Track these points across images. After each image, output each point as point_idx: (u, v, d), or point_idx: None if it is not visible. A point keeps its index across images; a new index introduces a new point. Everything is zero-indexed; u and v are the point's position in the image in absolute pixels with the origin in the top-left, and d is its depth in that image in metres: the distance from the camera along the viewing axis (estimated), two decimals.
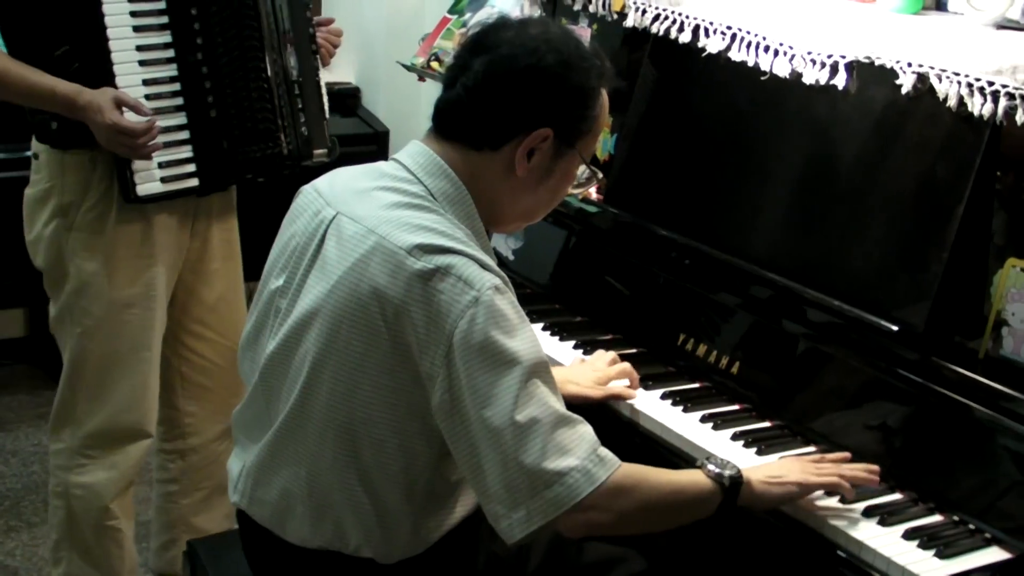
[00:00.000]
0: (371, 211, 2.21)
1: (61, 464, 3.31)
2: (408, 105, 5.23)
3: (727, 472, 2.29)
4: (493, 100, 2.23)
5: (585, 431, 2.16)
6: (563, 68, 2.23)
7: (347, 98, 5.65)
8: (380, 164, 2.35)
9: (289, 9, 3.28)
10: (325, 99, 3.44)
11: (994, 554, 2.27)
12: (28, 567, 3.97)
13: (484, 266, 2.15)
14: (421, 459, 2.22)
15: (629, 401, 2.77)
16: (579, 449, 2.12)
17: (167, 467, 3.59)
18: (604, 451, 2.16)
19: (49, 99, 2.95)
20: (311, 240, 2.26)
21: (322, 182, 2.38)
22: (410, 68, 4.35)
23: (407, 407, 2.16)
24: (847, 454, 2.52)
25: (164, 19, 3.08)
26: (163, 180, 3.09)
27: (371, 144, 5.29)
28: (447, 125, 2.29)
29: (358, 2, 5.65)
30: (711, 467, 2.30)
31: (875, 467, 2.45)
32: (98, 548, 3.35)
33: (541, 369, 2.15)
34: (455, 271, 2.10)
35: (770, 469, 2.40)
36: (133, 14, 3.02)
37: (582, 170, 2.39)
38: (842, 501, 2.39)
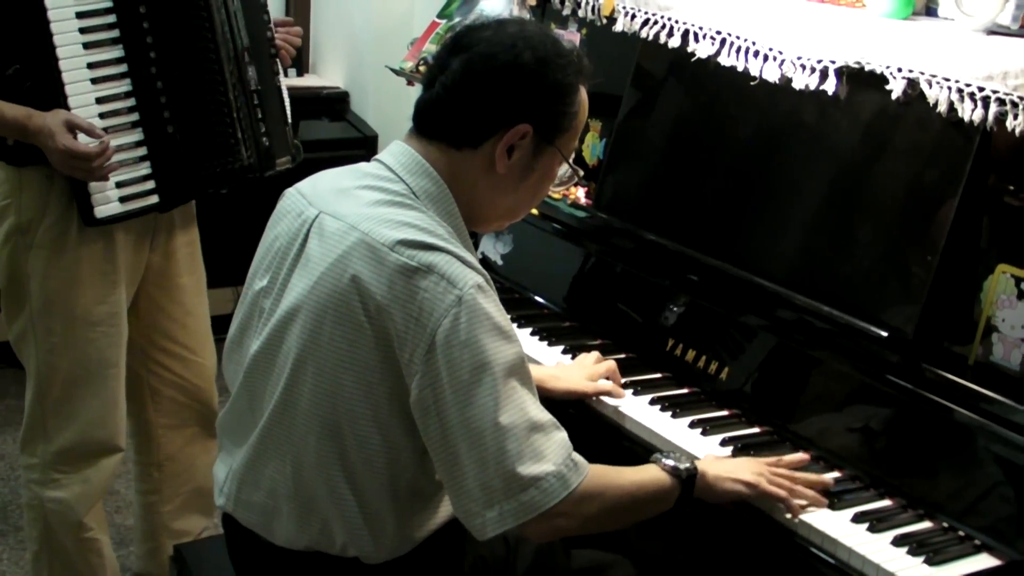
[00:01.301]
0: (353, 209, 2.22)
1: (35, 479, 3.28)
2: (397, 109, 5.22)
3: (683, 466, 2.35)
4: (472, 98, 2.24)
5: (562, 436, 2.18)
6: (540, 64, 2.23)
7: (336, 103, 5.64)
8: (362, 164, 2.37)
9: (245, 18, 3.22)
10: (287, 104, 3.41)
11: (984, 561, 2.27)
12: (15, 571, 3.95)
13: (466, 263, 2.15)
14: (404, 455, 2.22)
15: (617, 406, 2.76)
16: (556, 454, 2.15)
17: (144, 478, 3.57)
18: (577, 456, 2.19)
19: None
20: (294, 240, 2.27)
21: (305, 184, 2.39)
22: (399, 72, 4.34)
23: (389, 402, 2.17)
24: (805, 456, 2.56)
25: (115, 33, 3.01)
26: (122, 200, 3.05)
27: (360, 148, 5.27)
28: (427, 124, 2.30)
29: (347, 7, 5.65)
30: (667, 462, 2.35)
31: (829, 481, 2.47)
32: (80, 560, 3.33)
33: (521, 369, 2.17)
34: (438, 269, 2.11)
35: (724, 465, 2.45)
36: (83, 31, 2.96)
37: (563, 168, 2.39)
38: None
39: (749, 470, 2.43)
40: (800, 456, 2.56)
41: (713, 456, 2.54)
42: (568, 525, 2.19)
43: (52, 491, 3.26)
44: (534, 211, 3.31)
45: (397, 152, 2.30)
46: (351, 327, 2.15)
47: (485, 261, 3.49)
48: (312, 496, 2.25)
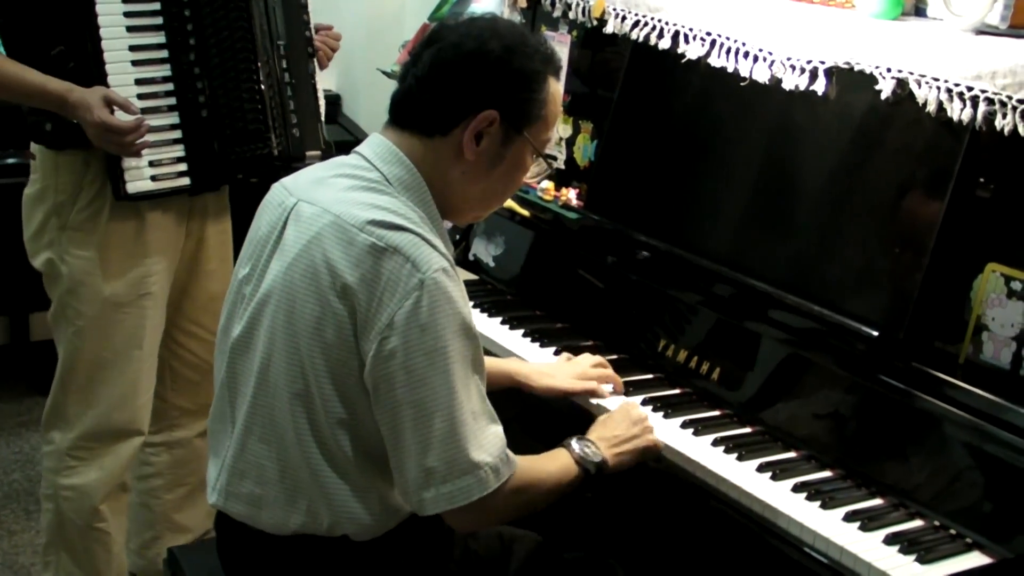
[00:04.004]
0: (328, 195, 2.28)
1: (51, 467, 3.34)
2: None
3: (593, 460, 2.45)
4: (439, 86, 2.29)
5: (498, 430, 2.27)
6: (505, 52, 2.28)
7: (328, 105, 5.60)
8: (341, 157, 2.43)
9: (284, 13, 3.32)
10: (321, 101, 3.50)
11: (975, 559, 2.28)
12: (9, 575, 3.95)
13: (433, 246, 2.20)
14: (367, 428, 2.26)
15: (610, 407, 2.76)
16: (493, 446, 2.22)
17: (150, 461, 3.60)
18: (509, 451, 2.27)
19: (41, 96, 3.00)
20: (274, 228, 2.33)
21: (289, 177, 2.44)
22: (390, 75, 4.35)
23: (355, 377, 2.21)
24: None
25: (159, 20, 3.13)
26: (154, 178, 3.13)
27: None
28: (401, 115, 2.36)
29: (338, 9, 5.63)
30: (576, 449, 2.46)
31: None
32: (84, 550, 3.36)
33: (476, 357, 2.24)
34: (403, 250, 2.16)
35: (605, 431, 2.56)
36: (127, 14, 3.07)
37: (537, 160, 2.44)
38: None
39: (625, 425, 2.58)
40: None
41: (601, 421, 2.63)
42: (492, 519, 2.32)
43: (67, 478, 3.31)
44: (525, 212, 3.32)
45: (373, 143, 2.37)
46: (320, 303, 2.20)
47: (477, 263, 3.50)
48: (296, 478, 2.29)
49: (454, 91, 2.28)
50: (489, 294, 3.37)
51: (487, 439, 2.21)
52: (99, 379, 3.26)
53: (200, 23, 3.18)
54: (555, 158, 2.50)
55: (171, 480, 3.64)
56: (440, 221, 2.34)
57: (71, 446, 3.30)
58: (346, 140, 5.41)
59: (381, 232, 2.17)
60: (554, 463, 2.41)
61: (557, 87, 2.37)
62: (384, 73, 4.39)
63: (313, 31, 3.45)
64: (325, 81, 5.70)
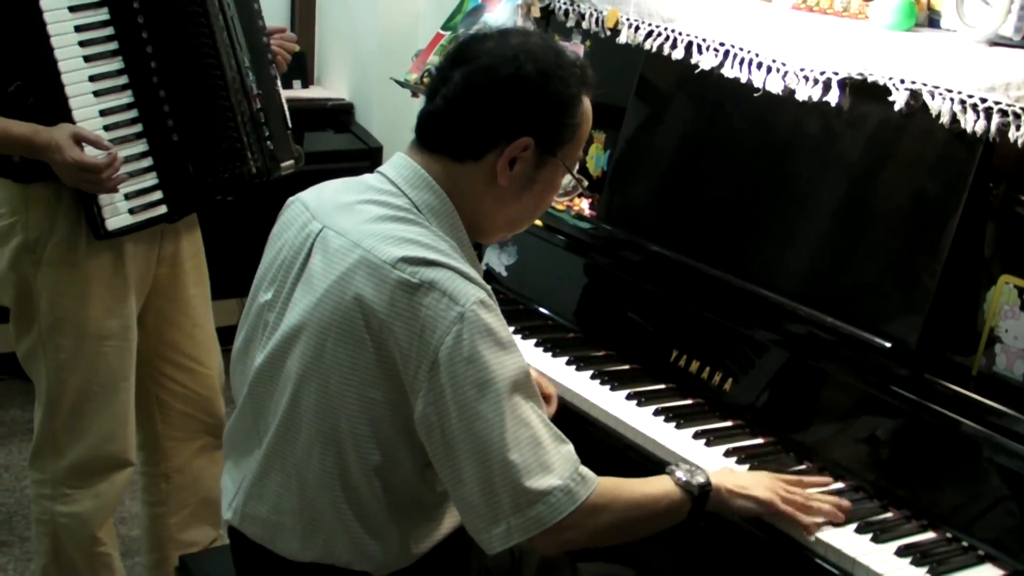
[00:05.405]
0: (356, 225, 2.22)
1: (45, 494, 3.26)
2: (402, 121, 5.23)
3: (696, 480, 2.32)
4: (473, 111, 2.22)
5: (568, 449, 2.18)
6: (542, 77, 2.22)
7: (340, 114, 5.64)
8: (365, 177, 2.35)
9: (242, 22, 3.22)
10: (286, 108, 3.40)
11: (987, 571, 2.27)
12: None
13: (469, 279, 2.15)
14: (404, 470, 2.22)
15: (620, 416, 2.77)
16: (562, 468, 2.14)
17: (152, 490, 3.56)
18: (584, 469, 2.18)
19: (5, 141, 2.88)
20: (298, 254, 2.27)
21: (309, 195, 2.38)
22: (403, 84, 4.35)
23: (391, 419, 2.17)
24: (827, 479, 2.53)
25: (114, 45, 3.01)
26: (131, 211, 3.04)
27: (364, 160, 5.27)
28: (429, 137, 2.29)
29: (352, 18, 5.66)
30: (680, 475, 2.33)
31: (846, 503, 2.43)
32: (90, 574, 3.33)
33: (526, 384, 2.16)
34: (440, 285, 2.10)
35: (739, 479, 2.43)
36: (83, 44, 2.95)
37: (567, 179, 2.38)
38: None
39: (763, 486, 2.41)
40: (822, 479, 2.54)
41: (728, 469, 2.52)
42: (576, 538, 2.18)
43: (64, 506, 3.24)
44: (538, 222, 3.32)
45: (400, 165, 2.29)
46: (354, 345, 2.14)
47: (489, 273, 3.50)
48: (316, 512, 2.25)
49: (488, 118, 2.22)
50: (501, 304, 3.36)
51: (554, 461, 2.13)
52: (87, 411, 3.18)
53: (159, 44, 3.05)
54: (584, 181, 2.45)
55: (174, 506, 3.58)
56: (470, 248, 2.30)
57: (65, 475, 3.23)
58: (359, 149, 5.41)
59: (414, 269, 2.11)
60: (650, 485, 2.31)
61: (589, 106, 2.31)
62: (397, 82, 4.39)
63: (268, 36, 3.35)
64: (338, 90, 5.76)
